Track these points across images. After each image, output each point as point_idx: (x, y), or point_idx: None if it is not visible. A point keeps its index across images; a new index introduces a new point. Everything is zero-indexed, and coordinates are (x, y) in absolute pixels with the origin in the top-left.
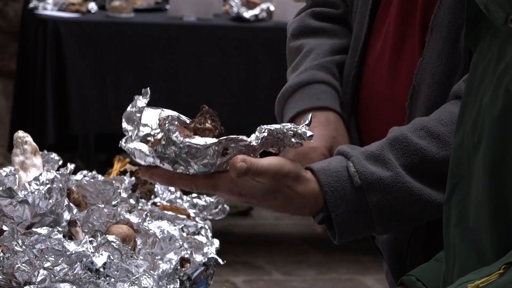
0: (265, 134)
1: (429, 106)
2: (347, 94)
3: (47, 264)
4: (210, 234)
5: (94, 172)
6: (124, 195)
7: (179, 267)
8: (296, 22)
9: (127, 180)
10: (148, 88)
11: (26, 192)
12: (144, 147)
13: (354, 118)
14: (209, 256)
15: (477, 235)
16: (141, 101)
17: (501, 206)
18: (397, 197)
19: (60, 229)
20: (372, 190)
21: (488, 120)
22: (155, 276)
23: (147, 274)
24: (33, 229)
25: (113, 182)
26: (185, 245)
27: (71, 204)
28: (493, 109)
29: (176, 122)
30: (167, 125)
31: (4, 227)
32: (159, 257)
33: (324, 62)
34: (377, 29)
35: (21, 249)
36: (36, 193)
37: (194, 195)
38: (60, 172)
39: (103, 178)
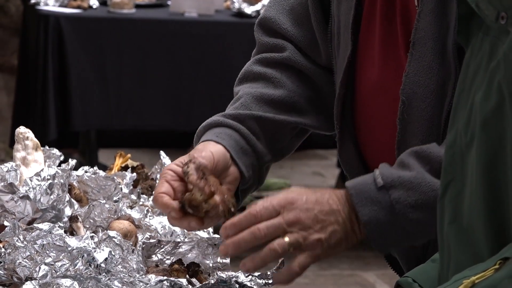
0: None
1: (428, 118)
2: (336, 113)
3: (49, 260)
4: (211, 230)
5: (95, 168)
6: (125, 190)
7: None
8: (244, 67)
9: (129, 175)
10: None
11: (28, 188)
12: None
13: (349, 136)
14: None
15: (471, 233)
16: None
17: (495, 202)
18: (418, 192)
19: (61, 224)
20: (394, 187)
21: (481, 118)
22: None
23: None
24: (35, 225)
25: (115, 177)
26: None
27: (72, 200)
28: (486, 106)
29: None
30: None
31: (6, 223)
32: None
33: (238, 115)
34: (362, 50)
35: (22, 245)
36: (37, 188)
37: None
38: (62, 167)
39: (104, 173)
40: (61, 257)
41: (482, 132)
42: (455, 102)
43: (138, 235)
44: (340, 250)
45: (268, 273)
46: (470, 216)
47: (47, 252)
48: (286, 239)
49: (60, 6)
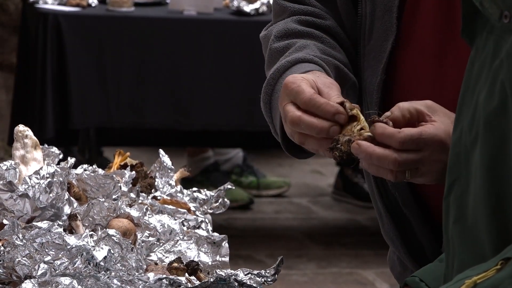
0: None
1: None
2: (371, 103)
3: (48, 258)
4: (210, 228)
5: (94, 166)
6: (124, 189)
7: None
8: (280, 25)
9: (128, 174)
10: None
11: (27, 186)
12: None
13: None
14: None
15: (476, 232)
16: None
17: (498, 202)
18: None
19: (60, 223)
20: None
21: (484, 117)
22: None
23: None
24: (34, 223)
25: (114, 176)
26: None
27: (71, 198)
28: (489, 105)
29: None
30: None
31: (5, 221)
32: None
33: (324, 58)
34: (404, 35)
35: (21, 243)
36: (36, 187)
37: (194, 189)
38: (61, 166)
39: (103, 172)
40: (60, 255)
41: (485, 131)
42: (460, 101)
43: (137, 233)
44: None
45: (267, 271)
46: (474, 215)
47: (46, 250)
48: (408, 175)
49: (59, 4)
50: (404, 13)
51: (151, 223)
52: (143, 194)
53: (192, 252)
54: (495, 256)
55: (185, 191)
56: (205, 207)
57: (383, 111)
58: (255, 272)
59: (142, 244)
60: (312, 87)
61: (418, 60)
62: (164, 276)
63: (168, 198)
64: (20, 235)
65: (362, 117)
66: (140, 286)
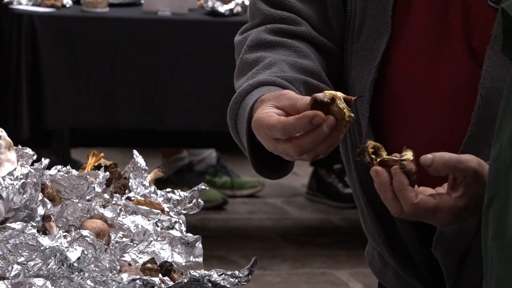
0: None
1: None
2: (361, 101)
3: (21, 259)
4: (184, 229)
5: (68, 167)
6: (98, 189)
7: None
8: (253, 34)
9: (102, 174)
10: None
11: (0, 187)
12: None
13: (371, 125)
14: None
15: None
16: None
17: None
18: None
19: (34, 224)
20: None
21: None
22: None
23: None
24: (7, 224)
25: (87, 176)
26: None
27: (45, 199)
28: None
29: None
30: None
31: None
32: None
33: (288, 77)
34: (396, 34)
35: None
36: (10, 188)
37: (168, 189)
38: (35, 167)
39: (77, 173)
40: (33, 256)
41: None
42: (500, 115)
43: (111, 234)
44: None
45: (241, 271)
46: None
47: (20, 251)
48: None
49: (34, 5)
50: (397, 12)
51: (125, 224)
52: (117, 195)
53: (165, 253)
54: None
55: (159, 191)
56: (179, 208)
57: (374, 109)
58: (229, 272)
59: (116, 245)
60: (277, 113)
61: (410, 59)
62: (138, 276)
63: (142, 198)
64: None
65: (338, 94)
66: (113, 287)
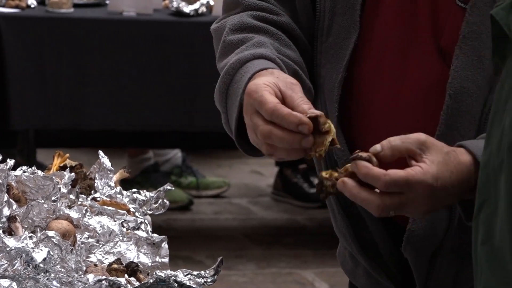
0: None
1: (473, 113)
2: (330, 100)
3: None
4: (150, 229)
5: (34, 168)
6: (64, 190)
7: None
8: (235, 18)
9: (67, 175)
10: None
11: None
12: None
13: (340, 124)
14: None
15: (502, 255)
16: None
17: None
18: None
19: None
20: None
21: (509, 143)
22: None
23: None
24: None
25: (53, 177)
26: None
27: (10, 200)
28: None
29: None
30: None
31: None
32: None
33: (283, 60)
34: (365, 33)
35: None
36: None
37: (134, 190)
38: (0, 167)
39: (42, 173)
40: None
41: (509, 158)
42: (490, 122)
43: (76, 234)
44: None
45: (207, 272)
46: (501, 238)
47: None
48: (392, 213)
49: None
50: (365, 11)
51: (91, 225)
52: (83, 195)
53: (131, 253)
54: None
55: (124, 192)
56: (145, 208)
57: (343, 108)
58: (195, 273)
59: (82, 245)
60: (275, 94)
61: (379, 58)
62: (104, 277)
63: (108, 199)
64: None
65: (333, 130)
66: None
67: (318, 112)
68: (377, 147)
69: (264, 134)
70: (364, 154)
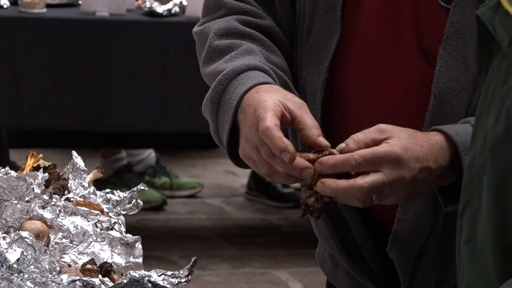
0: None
1: (457, 113)
2: (313, 102)
3: None
4: (123, 229)
5: (7, 168)
6: (37, 191)
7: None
8: (221, 23)
9: (40, 175)
10: None
11: None
12: None
13: (323, 126)
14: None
15: (483, 255)
16: None
17: (503, 230)
18: None
19: None
20: None
21: (491, 143)
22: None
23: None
24: None
25: (26, 178)
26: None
27: None
28: (495, 131)
29: None
30: None
31: None
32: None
33: (274, 70)
34: (346, 33)
35: None
36: None
37: (107, 190)
38: None
39: (16, 174)
40: None
41: (491, 157)
42: (475, 122)
43: (50, 235)
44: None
45: (181, 272)
46: (483, 238)
47: None
48: (375, 196)
49: None
50: (346, 11)
51: (64, 225)
52: (56, 195)
53: (105, 254)
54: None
55: (98, 192)
56: (118, 208)
57: (326, 109)
58: (169, 273)
59: (56, 246)
60: (283, 114)
61: (361, 59)
62: (78, 277)
63: (81, 199)
64: None
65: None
66: None
67: (325, 144)
68: (342, 144)
69: (268, 154)
70: (326, 152)
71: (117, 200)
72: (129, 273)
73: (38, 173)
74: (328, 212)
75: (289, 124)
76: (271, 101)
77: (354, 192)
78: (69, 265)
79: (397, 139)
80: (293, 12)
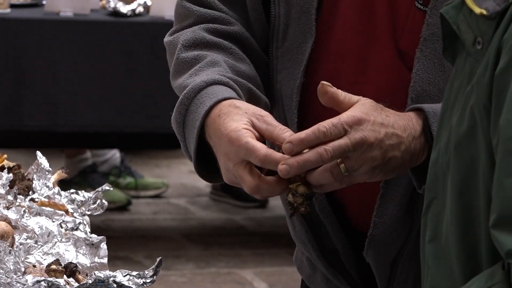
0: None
1: None
2: (289, 106)
3: None
4: (88, 230)
5: None
6: (1, 191)
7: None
8: (188, 33)
9: (5, 176)
10: None
11: None
12: None
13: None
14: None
15: (447, 254)
16: None
17: (467, 227)
18: None
19: None
20: None
21: (455, 140)
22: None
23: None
24: None
25: None
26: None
27: None
28: (460, 129)
29: None
30: None
31: None
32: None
33: (237, 80)
34: (321, 37)
35: None
36: None
37: (72, 190)
38: None
39: None
40: None
41: (455, 155)
42: (440, 121)
43: (15, 235)
44: (392, 176)
45: (146, 272)
46: (447, 236)
47: None
48: (342, 165)
49: None
50: (321, 14)
51: (29, 225)
52: (21, 196)
53: (70, 254)
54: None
55: (63, 192)
56: (83, 209)
57: (303, 114)
58: (134, 273)
59: (20, 246)
60: (255, 136)
61: (337, 62)
62: (43, 278)
63: (46, 200)
64: None
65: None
66: None
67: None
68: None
69: (252, 190)
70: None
71: (81, 201)
72: (94, 274)
73: (3, 173)
74: (306, 217)
75: (260, 139)
76: (241, 129)
77: (318, 157)
78: (34, 266)
79: (360, 105)
80: (266, 15)
